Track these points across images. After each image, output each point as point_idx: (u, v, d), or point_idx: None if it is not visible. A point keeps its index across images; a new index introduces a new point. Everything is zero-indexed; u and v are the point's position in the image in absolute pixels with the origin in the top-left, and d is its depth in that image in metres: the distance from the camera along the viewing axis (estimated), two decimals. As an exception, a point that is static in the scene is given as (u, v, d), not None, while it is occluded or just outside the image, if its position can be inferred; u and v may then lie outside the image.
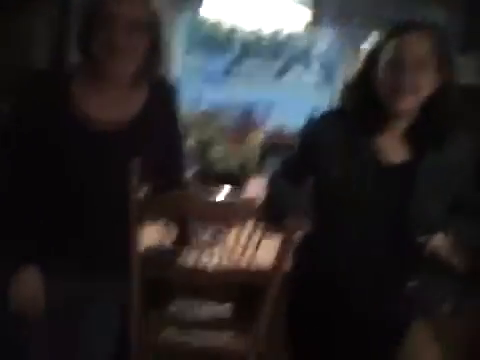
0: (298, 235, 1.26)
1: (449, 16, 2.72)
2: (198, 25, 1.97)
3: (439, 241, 1.25)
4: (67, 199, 1.27)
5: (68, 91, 1.27)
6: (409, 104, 1.26)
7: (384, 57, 1.27)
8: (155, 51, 1.30)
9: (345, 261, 1.33)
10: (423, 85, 1.25)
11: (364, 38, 2.67)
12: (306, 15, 1.71)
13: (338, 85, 2.17)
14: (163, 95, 1.38)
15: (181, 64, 3.11)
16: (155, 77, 1.36)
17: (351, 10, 2.81)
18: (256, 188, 1.66)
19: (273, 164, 1.67)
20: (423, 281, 1.32)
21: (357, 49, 2.70)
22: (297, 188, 1.25)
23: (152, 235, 1.36)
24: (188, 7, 2.80)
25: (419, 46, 1.24)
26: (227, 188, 1.23)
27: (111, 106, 1.29)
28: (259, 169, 2.28)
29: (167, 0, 2.75)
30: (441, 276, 1.32)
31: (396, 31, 1.27)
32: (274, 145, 2.68)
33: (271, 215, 1.23)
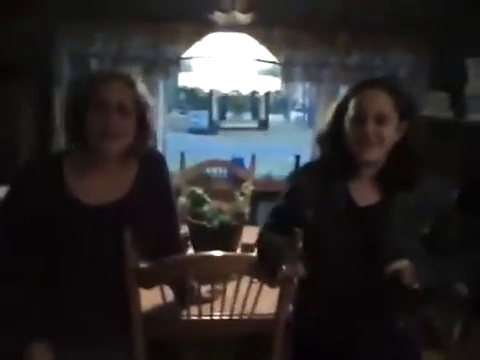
0: (294, 284, 1.29)
1: (416, 57, 2.89)
2: (177, 88, 2.08)
3: (402, 265, 1.30)
4: (66, 272, 1.33)
5: (61, 176, 1.35)
6: (374, 155, 1.36)
7: (349, 113, 1.38)
8: (144, 129, 1.41)
9: (335, 301, 1.38)
10: (386, 137, 1.35)
11: (334, 90, 2.82)
12: (277, 81, 1.83)
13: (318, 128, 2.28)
14: (152, 166, 1.47)
15: (165, 122, 3.21)
16: (144, 150, 1.45)
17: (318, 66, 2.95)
18: (251, 237, 1.71)
19: (264, 211, 1.73)
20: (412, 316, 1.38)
21: (329, 98, 2.86)
22: (287, 238, 1.31)
23: (149, 299, 1.40)
24: (169, 76, 2.95)
25: (380, 101, 1.35)
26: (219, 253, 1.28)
27: (103, 185, 1.38)
28: (251, 218, 2.33)
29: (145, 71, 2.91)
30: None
31: (358, 88, 1.38)
32: (264, 193, 2.75)
33: (268, 267, 1.29)
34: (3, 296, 1.30)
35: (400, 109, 1.36)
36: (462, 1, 2.79)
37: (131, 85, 1.36)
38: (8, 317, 1.28)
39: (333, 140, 1.43)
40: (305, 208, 1.42)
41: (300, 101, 19.38)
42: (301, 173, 1.55)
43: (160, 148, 3.09)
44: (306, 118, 17.56)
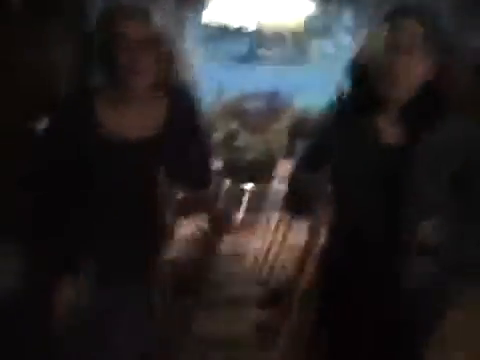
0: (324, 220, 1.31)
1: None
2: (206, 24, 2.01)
3: (427, 229, 1.27)
4: (98, 208, 1.37)
5: (93, 110, 1.36)
6: (401, 92, 1.27)
7: (379, 42, 1.30)
8: (169, 63, 1.38)
9: (358, 242, 1.38)
10: (415, 71, 1.26)
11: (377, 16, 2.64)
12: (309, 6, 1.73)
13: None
14: (184, 101, 1.45)
15: (198, 56, 3.16)
16: (174, 84, 1.44)
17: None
18: (286, 170, 1.71)
19: (302, 144, 1.72)
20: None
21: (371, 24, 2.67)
22: (318, 176, 1.31)
23: (186, 229, 1.44)
24: (198, 9, 2.86)
25: (409, 31, 1.25)
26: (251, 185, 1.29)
27: (134, 121, 1.38)
28: (289, 152, 2.33)
29: (172, 8, 2.83)
30: None
31: (389, 16, 1.29)
32: (302, 127, 2.72)
33: (295, 206, 1.30)
34: (42, 228, 1.37)
35: (433, 43, 1.27)
36: None
37: (150, 19, 1.33)
38: (43, 248, 1.36)
39: (362, 69, 1.36)
40: (334, 145, 1.39)
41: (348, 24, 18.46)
42: (333, 108, 1.51)
43: (197, 79, 3.04)
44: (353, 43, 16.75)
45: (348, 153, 1.33)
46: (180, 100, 1.41)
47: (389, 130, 1.33)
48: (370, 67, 1.31)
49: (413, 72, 1.23)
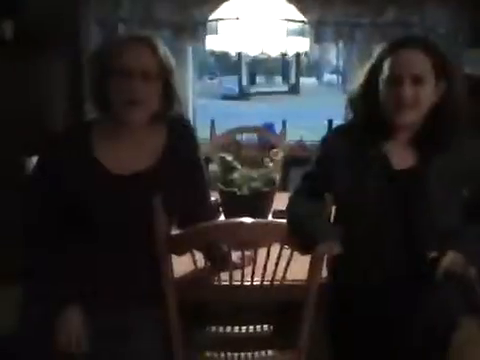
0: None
1: (454, 14, 2.74)
2: (207, 53, 2.04)
3: (452, 258, 1.25)
4: (98, 241, 1.34)
5: (89, 144, 1.35)
6: (410, 118, 1.30)
7: (384, 74, 1.31)
8: (169, 95, 1.38)
9: (370, 270, 1.35)
10: (422, 99, 1.28)
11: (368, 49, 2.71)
12: (306, 41, 1.77)
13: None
14: (180, 133, 1.45)
15: (195, 89, 3.19)
16: (171, 116, 1.43)
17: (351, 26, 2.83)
18: (283, 203, 1.69)
19: (296, 177, 1.70)
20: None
21: (362, 59, 2.76)
22: (319, 205, 1.28)
23: (180, 265, 1.40)
24: (196, 39, 2.90)
25: (416, 61, 1.28)
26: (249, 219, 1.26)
27: (131, 153, 1.37)
28: (283, 185, 2.31)
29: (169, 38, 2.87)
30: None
31: (393, 47, 1.31)
32: (295, 158, 2.72)
33: (301, 243, 1.27)
34: (37, 262, 1.33)
35: (437, 69, 1.29)
36: None
37: (153, 48, 1.32)
38: (43, 283, 1.32)
39: (367, 101, 1.37)
40: (339, 172, 1.38)
41: (333, 63, 18.90)
42: (334, 136, 1.50)
43: (190, 115, 3.08)
44: (340, 81, 17.15)
45: (356, 181, 1.32)
46: (178, 131, 1.40)
47: (399, 156, 1.33)
48: (377, 97, 1.31)
49: (422, 100, 1.24)
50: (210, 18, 1.86)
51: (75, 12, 2.85)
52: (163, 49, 1.35)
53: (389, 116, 1.32)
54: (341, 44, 2.95)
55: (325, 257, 1.33)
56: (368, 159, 1.35)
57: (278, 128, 3.11)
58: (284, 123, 2.90)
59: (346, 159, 1.38)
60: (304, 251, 1.29)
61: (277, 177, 1.90)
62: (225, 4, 1.85)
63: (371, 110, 1.35)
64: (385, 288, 1.35)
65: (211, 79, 16.86)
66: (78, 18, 2.85)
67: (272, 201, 1.92)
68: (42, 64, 2.83)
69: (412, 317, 1.34)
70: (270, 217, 1.97)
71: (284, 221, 1.33)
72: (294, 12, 1.81)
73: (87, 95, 2.78)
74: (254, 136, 3.03)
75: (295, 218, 1.34)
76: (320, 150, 1.49)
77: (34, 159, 1.54)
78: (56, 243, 1.34)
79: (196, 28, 2.87)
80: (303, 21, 1.80)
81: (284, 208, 1.70)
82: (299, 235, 1.27)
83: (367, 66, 1.40)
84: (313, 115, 8.91)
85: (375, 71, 1.35)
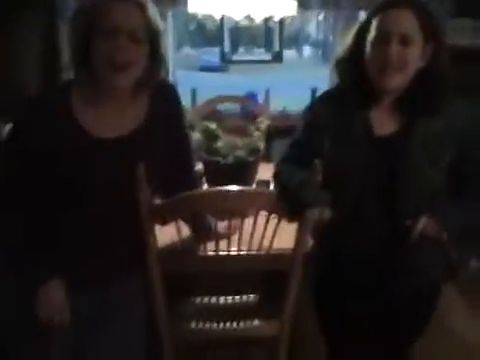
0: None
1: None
2: (189, 18, 1.97)
3: (425, 222, 1.29)
4: (79, 209, 1.30)
5: (69, 107, 1.27)
6: (396, 82, 1.27)
7: (371, 34, 1.28)
8: (155, 60, 1.31)
9: (353, 236, 1.35)
10: (409, 61, 1.25)
11: (353, 17, 2.66)
12: (293, 4, 1.71)
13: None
14: (165, 98, 1.39)
15: (175, 59, 3.10)
16: (156, 81, 1.37)
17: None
18: (267, 173, 1.67)
19: (279, 147, 1.68)
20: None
21: (347, 27, 2.71)
22: (308, 172, 1.26)
23: (165, 234, 1.37)
24: (177, 3, 2.79)
25: (404, 21, 1.25)
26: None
27: (113, 118, 1.31)
28: (266, 155, 2.28)
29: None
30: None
31: (382, 7, 1.28)
32: (278, 128, 2.68)
33: (290, 209, 1.24)
34: (18, 232, 1.28)
35: (426, 30, 1.27)
36: None
37: (143, 8, 1.24)
38: (24, 255, 1.27)
39: (353, 64, 1.34)
40: (323, 139, 1.36)
41: (313, 35, 18.73)
42: (319, 103, 1.47)
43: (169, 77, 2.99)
44: (320, 53, 17.02)
45: (341, 148, 1.30)
46: (163, 97, 1.34)
47: (382, 121, 1.31)
48: (363, 60, 1.28)
49: (408, 62, 1.21)
50: (193, -21, 1.78)
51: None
52: (152, 9, 1.27)
53: (374, 79, 1.29)
54: (323, 15, 2.88)
55: (312, 225, 1.31)
56: (351, 125, 1.33)
57: (261, 98, 3.06)
58: (267, 92, 2.85)
59: (331, 126, 1.36)
60: (293, 217, 1.27)
61: (261, 146, 1.86)
62: (209, -35, 1.77)
63: (357, 73, 1.33)
64: (369, 255, 1.35)
65: (192, 48, 16.47)
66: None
67: (256, 171, 1.89)
68: (16, 27, 2.71)
69: (397, 283, 1.35)
70: (254, 187, 1.95)
71: (271, 189, 1.31)
72: (280, -26, 1.74)
73: (63, 59, 2.74)
74: (237, 106, 2.98)
75: (284, 184, 1.31)
76: (306, 117, 1.46)
77: (8, 126, 1.47)
78: (33, 211, 1.29)
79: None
80: (290, -17, 1.74)
81: (268, 178, 1.68)
82: (289, 201, 1.25)
83: (354, 27, 1.36)
84: (295, 85, 8.83)
85: (363, 32, 1.32)
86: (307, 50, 19.68)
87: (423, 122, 1.31)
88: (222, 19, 1.81)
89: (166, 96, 1.40)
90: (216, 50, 16.93)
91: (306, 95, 3.09)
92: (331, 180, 1.27)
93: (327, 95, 1.49)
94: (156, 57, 1.31)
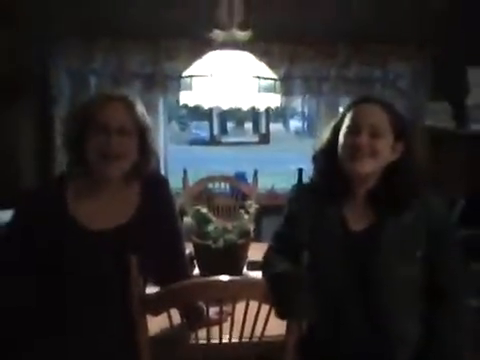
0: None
1: (416, 68, 2.90)
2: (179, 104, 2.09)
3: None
4: (72, 297, 1.31)
5: (63, 199, 1.34)
6: (367, 167, 1.33)
7: (344, 125, 1.37)
8: (145, 151, 1.40)
9: (336, 337, 1.35)
10: (380, 150, 1.32)
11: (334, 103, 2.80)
12: (277, 97, 1.83)
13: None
14: (156, 190, 1.46)
15: (166, 135, 3.21)
16: (147, 172, 1.44)
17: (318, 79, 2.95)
18: (257, 254, 1.68)
19: (268, 226, 1.71)
20: None
21: (331, 107, 2.85)
22: (292, 265, 1.29)
23: (156, 323, 1.38)
24: (167, 92, 2.95)
25: (374, 114, 1.34)
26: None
27: (106, 209, 1.36)
28: (256, 234, 2.31)
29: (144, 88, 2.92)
30: None
31: (354, 103, 1.39)
32: (267, 208, 2.74)
33: (278, 311, 1.26)
34: (10, 319, 1.28)
35: (395, 127, 1.35)
36: (461, 10, 2.79)
37: (131, 106, 1.36)
38: (13, 339, 1.27)
39: (328, 157, 1.42)
40: (302, 233, 1.40)
41: (299, 110, 19.43)
42: (298, 195, 1.52)
43: (161, 161, 3.08)
44: (306, 127, 17.58)
45: (315, 242, 1.34)
46: (154, 187, 1.41)
47: (357, 216, 1.36)
48: (338, 152, 1.36)
49: (379, 150, 1.29)
50: (184, 74, 1.90)
51: (46, 63, 2.85)
52: (140, 107, 1.39)
53: (347, 166, 1.35)
54: (307, 95, 3.05)
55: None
56: (326, 220, 1.38)
57: (249, 176, 3.15)
58: (255, 173, 2.94)
59: (307, 219, 1.41)
60: (282, 318, 1.28)
61: (251, 228, 1.90)
62: (198, 61, 1.91)
63: (331, 165, 1.39)
64: (352, 355, 1.35)
65: (183, 130, 16.98)
66: (49, 69, 2.85)
67: (247, 252, 1.92)
68: (11, 115, 2.82)
69: None
70: (245, 268, 1.97)
71: (261, 279, 1.33)
72: (265, 69, 1.87)
73: (57, 147, 2.82)
74: (226, 185, 3.06)
75: (271, 282, 1.29)
76: (286, 209, 1.52)
77: (5, 214, 1.51)
78: (27, 299, 1.30)
79: (166, 81, 2.93)
80: (274, 79, 1.86)
81: (258, 259, 1.70)
82: (277, 304, 1.26)
83: (331, 124, 1.45)
84: (282, 162, 9.06)
85: (337, 127, 1.41)
86: (293, 124, 20.35)
87: (392, 219, 1.34)
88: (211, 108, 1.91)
89: (157, 188, 1.47)
90: (206, 124, 17.51)
91: (293, 172, 3.18)
92: (313, 276, 1.29)
93: (305, 187, 1.54)
94: (146, 149, 1.40)
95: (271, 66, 1.96)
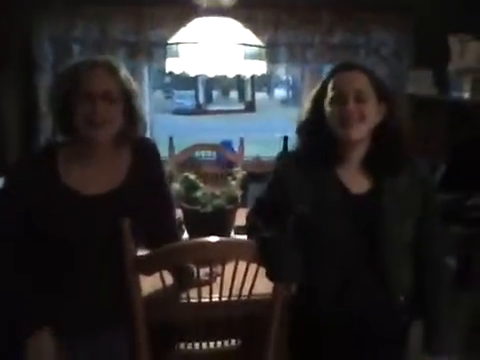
0: None
1: (399, 35, 2.92)
2: (163, 72, 2.09)
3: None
4: (67, 262, 1.35)
5: (55, 167, 1.36)
6: (358, 133, 1.36)
7: (328, 96, 1.39)
8: (132, 116, 1.42)
9: (331, 291, 1.40)
10: (367, 114, 1.36)
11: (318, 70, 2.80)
12: (263, 64, 1.85)
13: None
14: (145, 154, 1.49)
15: (150, 104, 3.20)
16: (136, 138, 1.47)
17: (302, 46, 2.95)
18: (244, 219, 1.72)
19: (254, 192, 1.74)
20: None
21: (315, 75, 2.87)
22: (281, 229, 1.33)
23: (149, 283, 1.43)
24: (153, 60, 2.93)
25: (356, 79, 1.37)
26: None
27: (98, 175, 1.39)
28: (242, 201, 2.36)
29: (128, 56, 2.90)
30: None
31: (334, 71, 1.41)
32: (253, 174, 2.78)
33: (267, 274, 1.33)
34: (6, 285, 1.32)
35: (377, 90, 1.38)
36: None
37: (114, 72, 1.37)
38: (12, 306, 1.31)
39: (315, 127, 1.43)
40: (297, 203, 1.41)
41: (283, 78, 19.29)
42: (286, 164, 1.51)
43: (148, 130, 3.09)
44: (290, 95, 17.51)
45: (318, 209, 1.37)
46: (142, 152, 1.44)
47: (353, 181, 1.40)
48: (325, 119, 1.39)
49: (367, 115, 1.33)
50: (170, 41, 1.90)
51: (29, 31, 2.80)
52: (124, 71, 1.40)
53: (338, 134, 1.38)
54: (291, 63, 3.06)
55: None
56: (325, 186, 1.40)
57: (235, 144, 3.18)
58: (242, 141, 2.98)
59: (302, 189, 1.41)
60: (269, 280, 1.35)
61: (239, 195, 1.95)
62: (183, 29, 1.91)
63: (320, 135, 1.41)
64: (351, 313, 1.40)
65: (168, 96, 16.76)
66: (32, 37, 2.81)
67: (234, 218, 1.97)
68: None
69: (379, 345, 1.41)
70: (232, 233, 2.03)
71: (248, 240, 1.38)
72: (251, 37, 1.89)
73: (42, 113, 2.81)
74: (213, 153, 3.09)
75: (259, 246, 1.34)
76: (272, 179, 1.52)
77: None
78: (22, 266, 1.34)
79: (151, 48, 2.90)
80: (259, 46, 1.88)
81: (244, 224, 1.75)
82: (265, 265, 1.32)
83: (311, 94, 1.47)
84: (268, 129, 9.05)
85: (319, 97, 1.42)
86: (277, 92, 20.22)
87: (390, 179, 1.39)
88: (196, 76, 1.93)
89: (147, 152, 1.50)
90: (191, 93, 17.30)
91: (279, 140, 3.21)
92: (309, 239, 1.34)
93: (292, 156, 1.54)
94: (133, 115, 1.42)
95: (255, 33, 1.97)
